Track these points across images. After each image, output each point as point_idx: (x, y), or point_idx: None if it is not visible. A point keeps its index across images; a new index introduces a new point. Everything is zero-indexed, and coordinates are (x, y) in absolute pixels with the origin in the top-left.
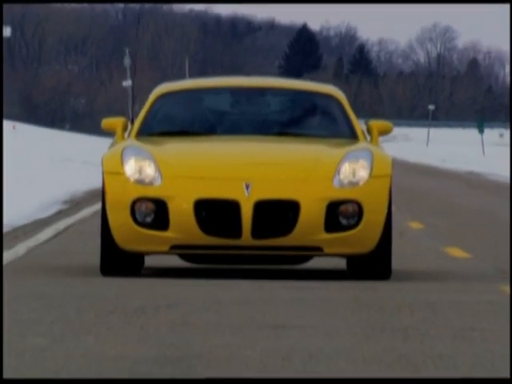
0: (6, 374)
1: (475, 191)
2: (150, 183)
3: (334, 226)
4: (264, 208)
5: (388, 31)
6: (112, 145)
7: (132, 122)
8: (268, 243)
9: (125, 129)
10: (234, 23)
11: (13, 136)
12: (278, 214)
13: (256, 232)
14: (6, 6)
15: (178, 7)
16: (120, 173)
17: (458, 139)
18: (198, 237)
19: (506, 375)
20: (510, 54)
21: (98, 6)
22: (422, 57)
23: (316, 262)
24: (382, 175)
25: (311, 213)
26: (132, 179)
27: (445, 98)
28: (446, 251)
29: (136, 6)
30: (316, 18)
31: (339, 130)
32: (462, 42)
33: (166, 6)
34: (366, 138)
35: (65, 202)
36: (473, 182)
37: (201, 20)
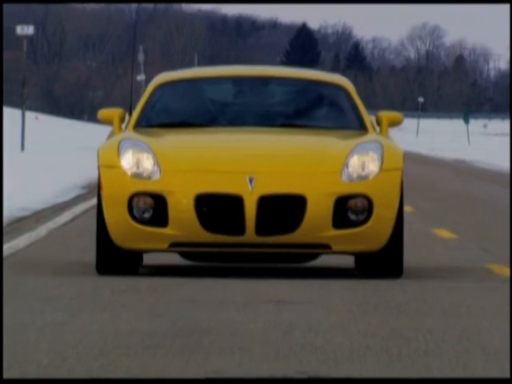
0: (6, 374)
1: (461, 177)
2: (149, 177)
3: (342, 222)
4: (268, 203)
5: (381, 30)
6: (109, 137)
7: (130, 113)
8: (273, 240)
9: (122, 120)
10: (240, 22)
11: (36, 126)
12: (283, 210)
13: (260, 229)
14: (27, 7)
15: (188, 7)
16: (117, 166)
17: (446, 129)
18: (198, 234)
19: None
20: (510, 53)
21: (114, 6)
22: (412, 53)
23: (322, 260)
24: (393, 168)
25: (318, 208)
26: (129, 173)
27: (433, 91)
28: (434, 232)
29: (149, 5)
30: (315, 18)
31: (347, 121)
32: (449, 39)
33: (176, 6)
34: (375, 129)
35: (83, 188)
36: (459, 168)
37: (209, 19)
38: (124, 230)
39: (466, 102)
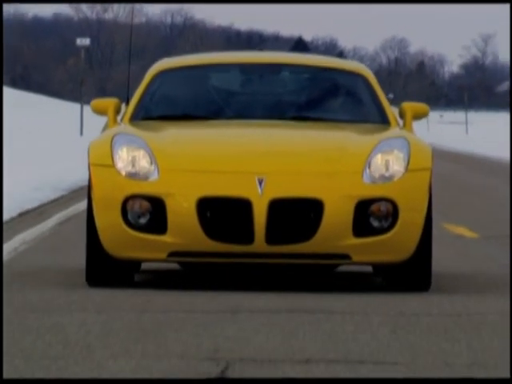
0: (7, 374)
1: None
2: (145, 177)
3: (363, 230)
4: (280, 208)
5: (360, 41)
6: (103, 130)
7: (128, 104)
8: (285, 250)
9: (117, 111)
10: (250, 35)
11: (92, 117)
12: (297, 216)
13: (271, 237)
14: (84, 22)
15: (210, 24)
16: (109, 165)
17: None
18: (201, 242)
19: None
20: (510, 53)
21: (152, 22)
22: (384, 60)
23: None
24: (421, 168)
25: (337, 213)
26: (123, 173)
27: (400, 89)
28: None
29: (180, 22)
30: (309, 32)
31: (367, 114)
32: (412, 48)
33: (200, 23)
34: (398, 123)
35: None
36: None
37: (226, 33)
38: (117, 236)
39: (426, 97)
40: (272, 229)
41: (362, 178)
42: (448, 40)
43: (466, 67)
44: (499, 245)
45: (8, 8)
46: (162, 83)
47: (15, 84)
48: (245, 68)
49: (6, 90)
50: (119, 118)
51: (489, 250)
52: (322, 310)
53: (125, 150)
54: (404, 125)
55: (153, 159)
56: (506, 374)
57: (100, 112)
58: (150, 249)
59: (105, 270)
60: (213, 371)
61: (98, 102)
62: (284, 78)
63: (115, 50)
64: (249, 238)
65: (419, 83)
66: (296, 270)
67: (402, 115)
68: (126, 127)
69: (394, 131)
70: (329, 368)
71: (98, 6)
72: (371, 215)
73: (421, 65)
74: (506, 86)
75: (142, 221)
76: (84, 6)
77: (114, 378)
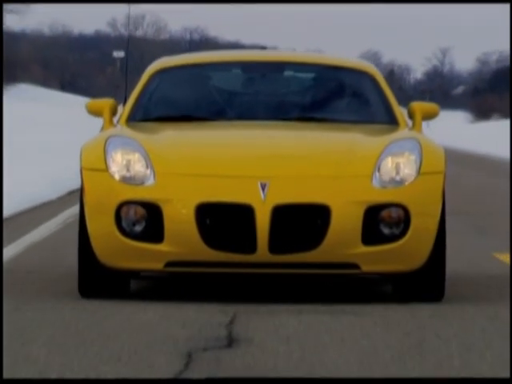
0: (7, 374)
1: None
2: (141, 182)
3: (373, 237)
4: (285, 214)
5: (341, 52)
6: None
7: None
8: (290, 259)
9: (114, 113)
10: (255, 48)
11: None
12: (302, 223)
13: (274, 245)
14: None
15: (221, 40)
16: (102, 169)
17: None
18: (200, 251)
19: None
20: (510, 54)
21: (175, 38)
22: None
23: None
24: (434, 172)
25: (345, 220)
26: (117, 177)
27: None
28: None
29: (197, 38)
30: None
31: (375, 114)
32: (385, 59)
33: (212, 40)
34: (407, 123)
35: None
36: None
37: (235, 47)
38: (110, 245)
39: (396, 99)
40: (276, 237)
41: (371, 182)
42: (413, 52)
43: (428, 74)
44: None
45: (57, 26)
46: (160, 83)
47: (64, 88)
48: (247, 66)
49: (57, 94)
50: (116, 119)
51: None
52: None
53: (119, 153)
54: (413, 125)
55: (148, 163)
56: (506, 374)
57: (95, 113)
58: (146, 258)
59: (98, 280)
60: None
61: (94, 102)
62: (288, 76)
63: (144, 60)
64: (251, 246)
65: (390, 87)
66: (300, 280)
67: (410, 115)
68: (120, 129)
69: (404, 132)
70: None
71: (131, 25)
72: (381, 222)
73: (391, 73)
74: (460, 89)
75: (137, 228)
76: (119, 24)
77: (114, 378)
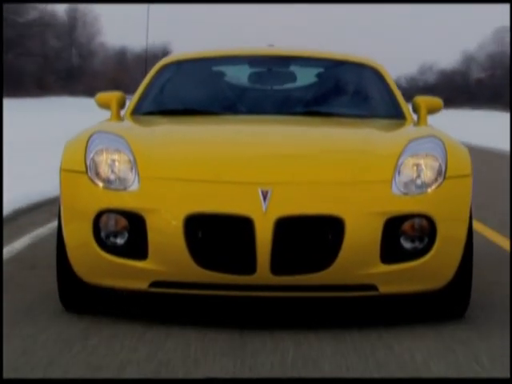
0: (7, 374)
1: None
2: (123, 187)
3: (394, 254)
4: (290, 228)
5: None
6: None
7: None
8: (295, 281)
9: (121, 105)
10: None
11: None
12: (310, 238)
13: (277, 265)
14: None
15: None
16: (81, 171)
17: None
18: (190, 270)
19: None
20: (510, 54)
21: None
22: None
23: None
24: (461, 175)
25: (361, 234)
26: (98, 181)
27: None
28: None
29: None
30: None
31: (382, 108)
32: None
33: None
34: (412, 117)
35: None
36: None
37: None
38: (88, 259)
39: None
40: (279, 255)
41: (390, 188)
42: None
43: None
44: None
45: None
46: (166, 76)
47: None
48: (253, 61)
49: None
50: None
51: None
52: None
53: (101, 152)
54: (418, 120)
55: (133, 164)
56: (505, 374)
57: (104, 106)
58: (128, 276)
59: (78, 294)
60: None
61: (102, 95)
62: (294, 71)
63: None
64: (250, 266)
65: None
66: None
67: (415, 110)
68: (107, 124)
69: (422, 129)
70: None
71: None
72: (403, 235)
73: None
74: None
75: (119, 241)
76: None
77: (114, 378)
